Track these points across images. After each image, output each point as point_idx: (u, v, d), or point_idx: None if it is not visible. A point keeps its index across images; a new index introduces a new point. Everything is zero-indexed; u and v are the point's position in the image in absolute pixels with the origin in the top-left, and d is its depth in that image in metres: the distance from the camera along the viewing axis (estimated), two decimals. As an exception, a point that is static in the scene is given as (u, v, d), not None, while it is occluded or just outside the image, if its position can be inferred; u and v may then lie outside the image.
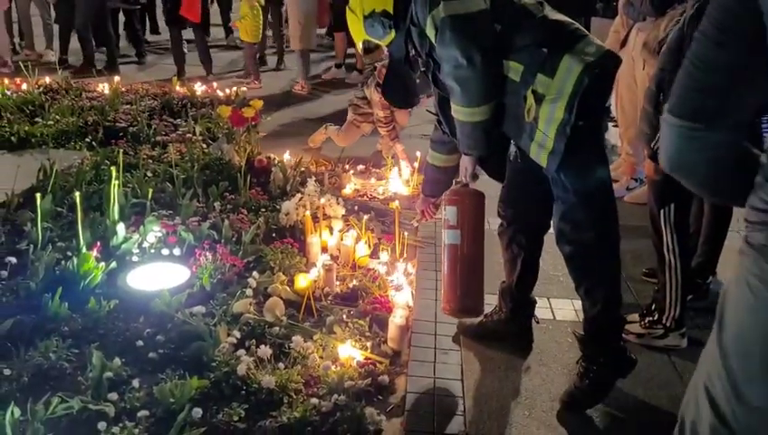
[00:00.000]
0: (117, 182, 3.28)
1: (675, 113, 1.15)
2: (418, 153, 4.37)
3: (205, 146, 5.01)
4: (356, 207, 3.83)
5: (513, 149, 2.46)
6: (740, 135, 1.15)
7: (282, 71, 8.51)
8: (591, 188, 2.24)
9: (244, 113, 4.33)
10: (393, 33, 2.51)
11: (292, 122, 6.14)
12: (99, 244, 3.15)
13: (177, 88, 6.65)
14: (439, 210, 3.03)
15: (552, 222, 2.41)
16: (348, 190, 4.15)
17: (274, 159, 4.39)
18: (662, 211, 2.64)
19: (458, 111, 2.33)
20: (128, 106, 5.89)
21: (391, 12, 2.49)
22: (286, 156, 4.57)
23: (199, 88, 6.62)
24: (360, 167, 4.71)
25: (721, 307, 1.10)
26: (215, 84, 6.98)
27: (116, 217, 3.28)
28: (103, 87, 6.53)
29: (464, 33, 2.22)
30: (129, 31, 8.98)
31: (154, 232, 3.27)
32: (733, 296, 1.08)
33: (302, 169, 4.41)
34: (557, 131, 2.15)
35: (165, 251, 3.23)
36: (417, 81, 2.60)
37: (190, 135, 5.15)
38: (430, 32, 2.31)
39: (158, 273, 3.09)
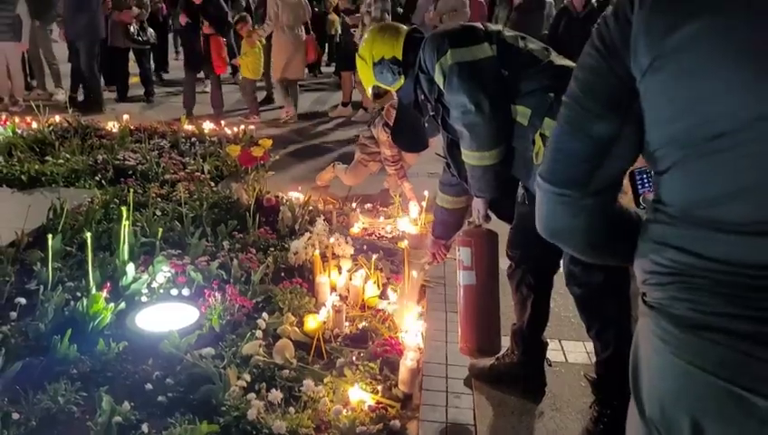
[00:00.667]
0: (127, 223, 3.28)
1: (546, 179, 1.15)
2: (426, 192, 4.39)
3: (213, 184, 5.05)
4: (364, 247, 3.83)
5: (520, 190, 2.47)
6: (612, 197, 1.15)
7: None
8: None
9: (254, 153, 4.37)
10: (402, 80, 2.55)
11: (300, 160, 6.19)
12: (108, 284, 3.16)
13: (186, 126, 6.73)
14: (450, 251, 3.03)
15: (561, 263, 2.40)
16: (356, 229, 4.15)
17: (283, 197, 4.41)
18: None
19: (468, 156, 2.36)
20: (137, 145, 5.94)
21: (400, 59, 2.53)
22: (295, 194, 4.59)
23: (207, 126, 6.69)
24: (368, 205, 4.73)
25: (633, 367, 1.08)
26: (222, 122, 7.06)
27: (126, 257, 3.28)
28: (113, 125, 6.60)
29: (471, 79, 2.26)
30: (140, 66, 9.10)
31: (163, 272, 3.27)
32: (642, 358, 1.06)
33: (311, 207, 4.42)
34: None
35: (174, 291, 3.22)
36: (426, 124, 2.63)
37: (199, 173, 5.18)
38: (439, 78, 2.35)
39: (167, 313, 3.08)
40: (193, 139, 6.29)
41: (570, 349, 3.00)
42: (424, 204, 4.43)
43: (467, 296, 2.52)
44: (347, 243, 3.72)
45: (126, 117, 6.92)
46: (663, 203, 1.04)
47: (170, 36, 11.47)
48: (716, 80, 0.92)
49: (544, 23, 7.99)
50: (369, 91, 2.75)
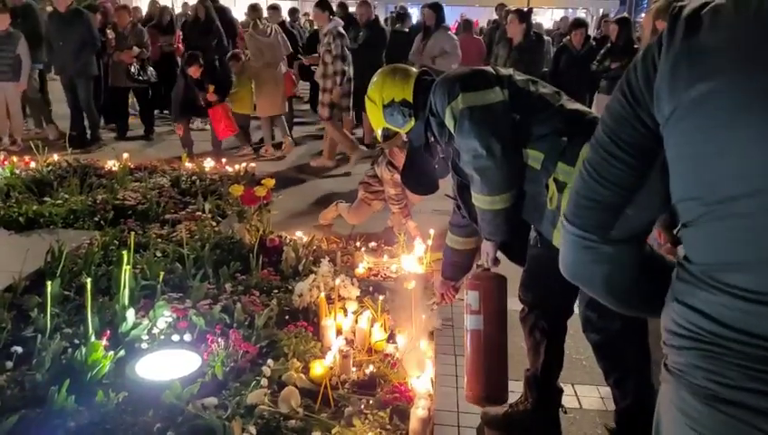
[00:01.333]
0: (128, 267, 3.20)
1: (569, 220, 1.12)
2: (432, 230, 4.32)
3: (215, 224, 4.98)
4: (370, 288, 3.74)
5: (533, 233, 2.41)
6: (637, 248, 1.10)
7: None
8: None
9: (257, 192, 4.31)
10: (413, 122, 2.52)
11: (301, 199, 6.14)
12: (108, 331, 3.07)
13: (186, 164, 6.69)
14: (460, 293, 2.96)
15: (577, 309, 2.33)
16: (361, 269, 4.07)
17: (286, 237, 4.34)
18: None
19: (479, 199, 2.31)
20: (137, 184, 5.90)
21: (411, 101, 2.50)
22: (298, 234, 4.53)
23: (208, 164, 6.65)
24: (372, 244, 4.65)
25: (655, 431, 1.04)
26: (223, 160, 7.02)
27: (126, 302, 3.19)
28: (113, 164, 6.56)
29: (483, 123, 2.22)
30: (140, 106, 9.11)
31: (164, 317, 3.18)
32: (663, 424, 1.02)
33: (314, 247, 4.35)
34: None
35: (175, 337, 3.13)
36: (437, 166, 2.58)
37: (200, 213, 5.12)
38: (449, 122, 2.32)
39: (168, 360, 2.99)
40: (194, 177, 6.23)
41: (584, 393, 2.91)
42: (429, 242, 4.36)
43: (474, 342, 2.44)
44: (352, 284, 3.64)
45: (126, 155, 6.88)
46: (687, 260, 0.99)
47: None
48: (735, 139, 0.89)
49: (544, 60, 8.04)
50: (379, 133, 2.71)
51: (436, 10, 8.10)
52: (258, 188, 4.34)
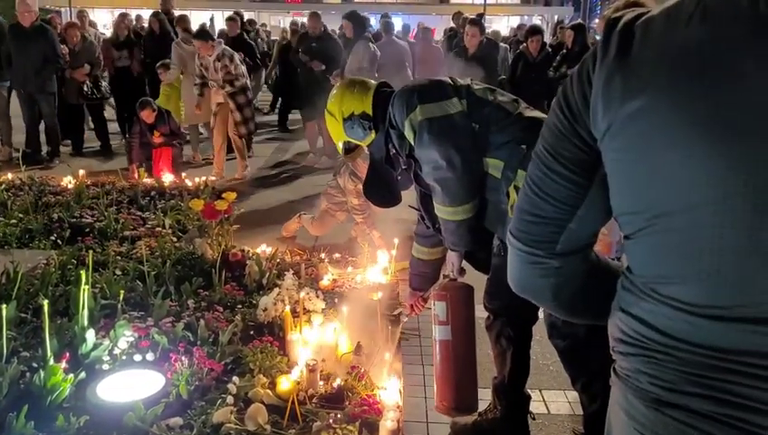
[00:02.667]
0: (86, 287, 3.12)
1: (514, 235, 1.13)
2: (396, 240, 4.33)
3: (175, 239, 4.90)
4: (335, 299, 3.72)
5: (496, 241, 2.43)
6: (583, 258, 1.12)
7: (250, 157, 8.51)
8: None
9: (217, 206, 4.26)
10: (373, 135, 2.52)
11: (264, 212, 6.08)
12: (67, 353, 2.99)
13: (145, 180, 6.58)
14: (428, 303, 2.96)
15: (542, 315, 2.35)
16: (326, 281, 4.05)
17: (249, 251, 4.30)
18: None
19: (441, 210, 2.33)
20: (94, 201, 5.77)
21: (370, 114, 2.50)
22: (262, 247, 4.49)
23: (167, 178, 6.56)
24: (337, 255, 4.64)
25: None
26: (183, 174, 6.93)
27: (85, 323, 3.11)
28: (68, 181, 6.41)
29: (442, 135, 2.25)
30: (94, 121, 8.92)
31: (125, 337, 3.11)
32: (613, 427, 1.05)
33: (278, 260, 4.32)
34: None
35: (137, 356, 3.06)
36: (399, 178, 2.59)
37: (160, 229, 5.04)
38: (409, 134, 2.33)
39: (130, 381, 2.92)
40: (153, 192, 6.13)
41: (551, 399, 2.94)
42: (393, 252, 4.36)
43: (443, 352, 2.44)
44: (317, 297, 3.61)
45: (82, 172, 6.74)
46: (629, 270, 1.01)
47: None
48: (666, 158, 0.89)
49: (500, 67, 8.14)
50: (341, 147, 2.70)
51: (353, 20, 7.71)
52: (219, 201, 4.29)
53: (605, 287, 1.09)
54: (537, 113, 2.32)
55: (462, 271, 2.50)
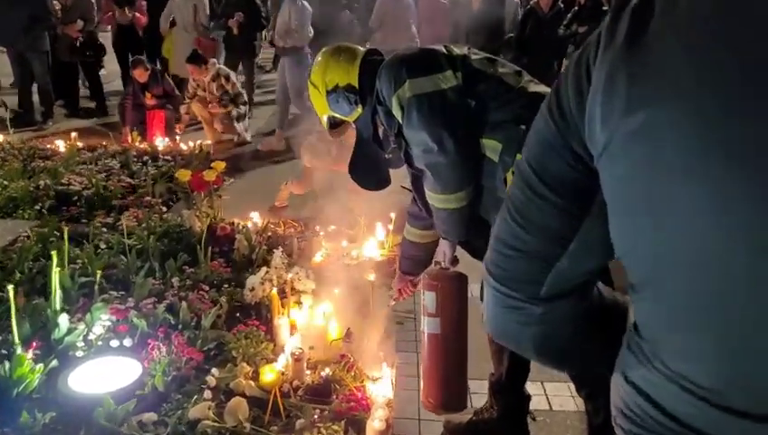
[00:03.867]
0: (57, 269, 2.93)
1: (489, 271, 0.86)
2: (392, 214, 4.10)
3: (165, 209, 4.70)
4: (327, 279, 3.51)
5: None
6: (577, 301, 0.85)
7: (250, 118, 8.23)
8: None
9: (205, 177, 4.04)
10: (360, 109, 2.26)
11: (258, 182, 5.80)
12: (40, 338, 2.83)
13: (138, 144, 6.36)
14: (418, 288, 2.74)
15: None
16: (318, 258, 3.84)
17: (238, 224, 4.09)
18: None
19: (432, 198, 2.10)
20: (83, 166, 5.55)
21: (356, 86, 2.24)
22: (254, 217, 4.27)
23: (161, 143, 6.32)
24: (332, 227, 4.41)
25: None
26: (177, 138, 6.69)
27: (57, 307, 2.93)
28: (59, 145, 6.20)
29: (432, 114, 1.99)
30: (88, 80, 8.61)
31: (102, 321, 2.93)
32: None
33: (269, 234, 4.11)
34: None
35: (114, 342, 2.89)
36: (389, 156, 2.34)
37: (149, 198, 4.83)
38: (397, 112, 2.08)
39: (105, 370, 2.75)
40: (145, 157, 5.91)
41: (553, 392, 2.75)
42: (390, 226, 4.14)
43: (432, 346, 2.24)
44: (308, 277, 3.41)
45: (74, 135, 6.52)
46: (636, 329, 0.78)
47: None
48: (688, 195, 0.63)
49: (510, 24, 7.76)
50: (325, 121, 2.43)
51: None
52: (207, 172, 4.07)
53: (606, 336, 0.86)
54: (542, 87, 2.06)
55: (455, 260, 2.28)
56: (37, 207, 4.64)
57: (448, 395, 2.25)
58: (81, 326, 2.92)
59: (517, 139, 1.92)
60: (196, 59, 6.60)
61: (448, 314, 2.21)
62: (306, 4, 6.90)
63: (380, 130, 2.27)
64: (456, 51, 2.12)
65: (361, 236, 4.21)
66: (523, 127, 1.91)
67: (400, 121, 2.08)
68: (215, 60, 6.86)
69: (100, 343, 2.88)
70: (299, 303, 3.28)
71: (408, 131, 2.04)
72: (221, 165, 4.26)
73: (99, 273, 3.21)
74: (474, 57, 2.10)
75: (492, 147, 1.97)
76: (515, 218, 0.81)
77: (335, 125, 2.42)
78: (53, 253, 2.96)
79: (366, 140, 2.32)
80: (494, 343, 2.33)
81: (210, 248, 3.71)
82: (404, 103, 2.03)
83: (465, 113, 1.99)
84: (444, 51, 2.11)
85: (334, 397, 2.64)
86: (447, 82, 2.01)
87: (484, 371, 2.53)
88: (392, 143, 2.24)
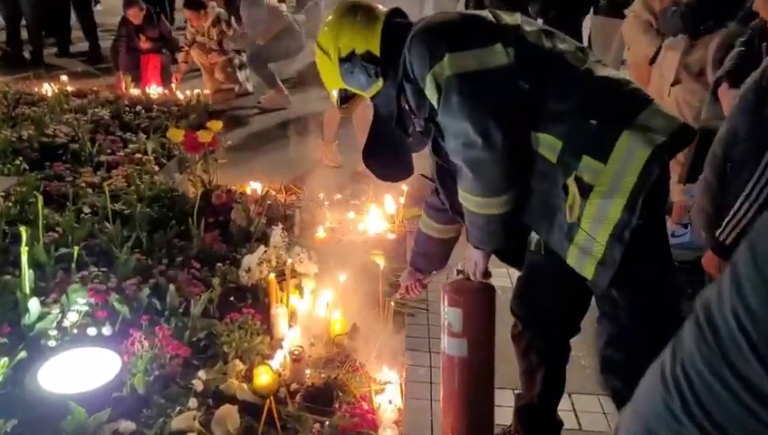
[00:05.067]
0: (27, 249, 2.59)
1: None
2: (405, 186, 3.75)
3: (157, 168, 4.34)
4: (331, 262, 3.17)
5: (535, 236, 1.84)
6: None
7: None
8: (655, 308, 1.66)
9: (200, 138, 3.66)
10: (381, 83, 1.86)
11: (258, 137, 5.40)
12: (9, 321, 2.53)
13: (132, 90, 5.94)
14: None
15: (596, 345, 1.81)
16: (321, 233, 3.50)
17: (236, 191, 3.74)
18: None
19: (468, 200, 1.73)
20: (71, 115, 5.16)
21: (377, 54, 1.83)
22: (254, 184, 3.92)
23: (155, 91, 5.91)
24: (338, 196, 4.06)
25: None
26: (174, 85, 6.27)
27: (27, 289, 2.61)
28: (47, 89, 5.79)
29: (478, 99, 1.61)
30: (80, 18, 8.04)
31: (78, 305, 2.61)
32: None
33: (269, 202, 3.76)
34: (611, 236, 1.57)
35: (92, 330, 2.58)
36: (410, 139, 1.97)
37: (140, 155, 4.46)
38: (431, 93, 1.70)
39: (80, 363, 2.45)
40: (138, 107, 5.50)
41: (583, 407, 2.44)
42: (402, 199, 3.79)
43: (455, 371, 1.93)
44: (310, 259, 3.08)
45: (64, 78, 6.11)
46: None
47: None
48: None
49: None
50: (335, 95, 2.02)
51: None
52: (202, 132, 3.69)
53: None
54: (613, 72, 1.69)
55: (487, 274, 1.94)
56: (17, 162, 4.27)
57: (473, 427, 1.95)
58: (56, 311, 2.61)
59: (584, 135, 1.57)
60: (194, 3, 6.12)
61: (476, 334, 1.90)
62: None
63: (404, 109, 1.89)
64: (507, 19, 1.73)
65: (368, 207, 3.86)
66: (593, 122, 1.56)
67: (435, 105, 1.71)
68: (214, 3, 6.37)
69: (75, 331, 2.57)
70: (299, 288, 2.96)
71: (446, 118, 1.67)
72: (218, 125, 3.87)
73: (76, 249, 2.87)
74: (528, 29, 1.71)
75: (548, 143, 1.61)
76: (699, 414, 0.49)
77: (346, 99, 2.02)
78: (23, 229, 2.62)
79: (385, 121, 1.93)
80: (526, 358, 2.02)
81: (204, 219, 3.37)
82: (442, 83, 1.65)
83: (517, 100, 1.63)
84: (491, 18, 1.72)
85: (336, 405, 2.35)
86: (497, 58, 1.63)
87: (509, 378, 2.23)
88: (417, 127, 1.87)
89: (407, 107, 1.84)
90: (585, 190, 1.57)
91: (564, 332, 1.95)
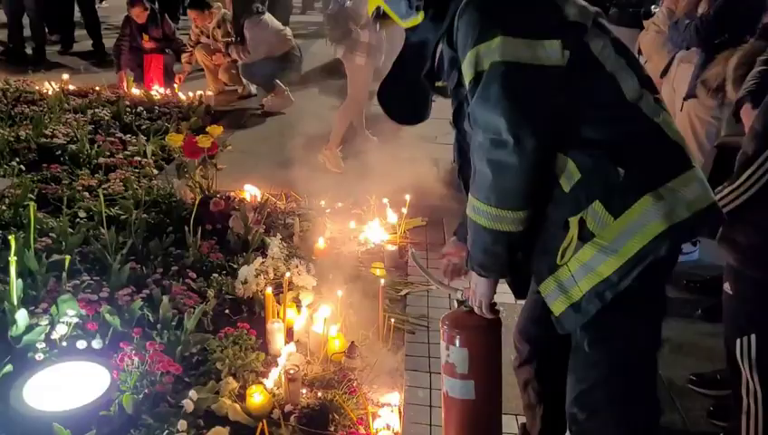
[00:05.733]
0: (15, 259, 2.51)
1: None
2: (407, 196, 3.67)
3: (156, 171, 4.27)
4: (330, 275, 3.08)
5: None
6: None
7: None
8: (627, 362, 1.57)
9: (200, 143, 3.58)
10: (420, 18, 1.67)
11: (259, 141, 5.28)
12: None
13: (134, 90, 5.87)
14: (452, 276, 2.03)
15: (567, 394, 1.69)
16: (321, 243, 3.42)
17: (234, 198, 3.65)
18: (739, 341, 1.96)
19: (477, 209, 1.54)
20: (72, 115, 5.08)
21: None
22: (253, 191, 3.83)
23: (158, 92, 5.83)
24: (339, 204, 3.97)
25: None
26: (176, 86, 6.18)
27: (15, 300, 2.52)
28: (48, 88, 5.72)
29: (521, 95, 1.43)
30: (84, 15, 7.94)
31: (68, 317, 2.53)
32: None
33: (269, 209, 3.68)
34: (592, 289, 1.47)
35: (81, 343, 2.50)
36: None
37: (139, 158, 4.38)
38: (468, 72, 1.50)
39: (68, 377, 2.37)
40: (140, 108, 5.42)
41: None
42: (404, 210, 3.70)
43: (459, 414, 1.80)
44: (308, 271, 2.99)
45: (65, 77, 6.04)
46: None
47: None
48: None
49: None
50: (371, 10, 1.82)
51: None
52: (201, 137, 3.60)
53: None
54: (667, 119, 1.52)
55: (494, 310, 1.74)
56: (15, 163, 4.19)
57: None
58: (45, 322, 2.53)
59: (604, 180, 1.43)
60: (199, 3, 6.04)
61: (484, 374, 1.76)
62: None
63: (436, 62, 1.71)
64: (574, 12, 1.49)
65: (371, 216, 3.77)
66: (621, 171, 1.42)
67: (466, 84, 1.52)
68: (219, 3, 6.28)
69: (64, 343, 2.49)
70: (297, 301, 2.88)
71: (479, 108, 1.47)
72: (217, 129, 3.78)
73: (68, 258, 2.78)
74: (594, 37, 1.49)
75: (569, 170, 1.46)
76: None
77: (380, 17, 1.82)
78: (11, 238, 2.54)
79: (411, 60, 1.76)
80: (525, 393, 1.92)
81: (201, 227, 3.29)
82: (484, 65, 1.45)
83: (558, 108, 1.45)
84: (559, 5, 1.49)
85: (332, 429, 2.26)
86: (551, 57, 1.43)
87: (512, 404, 2.14)
88: (444, 78, 1.69)
89: (437, 61, 1.68)
90: (585, 236, 1.45)
91: (562, 371, 1.83)
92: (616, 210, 1.42)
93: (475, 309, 1.72)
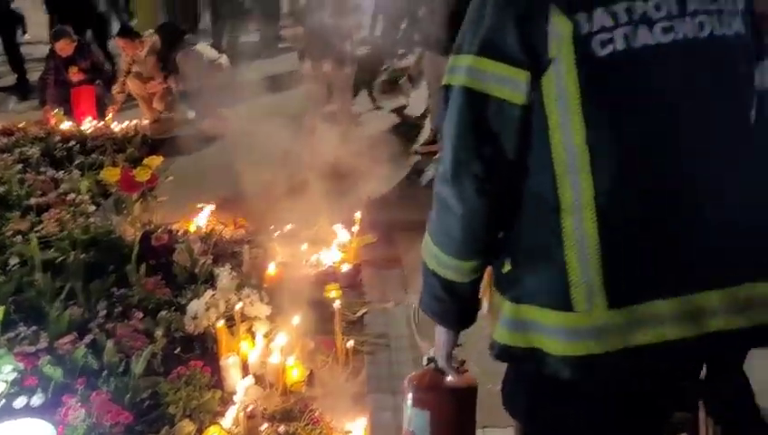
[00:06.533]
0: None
1: None
2: (358, 214, 3.60)
3: (93, 208, 4.09)
4: (284, 302, 2.98)
5: None
6: None
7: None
8: None
9: (137, 176, 3.43)
10: None
11: (201, 166, 5.08)
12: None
13: (63, 126, 5.64)
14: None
15: None
16: (272, 269, 3.31)
17: (177, 231, 3.52)
18: None
19: (427, 247, 1.33)
20: (-4, 155, 4.84)
21: None
22: (198, 221, 3.70)
23: (89, 125, 5.62)
24: (288, 226, 3.86)
25: None
26: (110, 115, 5.97)
27: (-58, 362, 2.35)
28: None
29: (469, 129, 1.19)
30: (6, 49, 7.61)
31: (3, 375, 2.36)
32: None
33: (215, 239, 3.55)
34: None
35: (20, 400, 2.34)
36: None
37: (74, 195, 4.19)
38: (446, 76, 1.25)
39: (9, 437, 2.21)
40: (72, 142, 5.20)
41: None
42: (355, 229, 3.63)
43: None
44: (261, 300, 2.89)
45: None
46: None
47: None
48: None
49: None
50: None
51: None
52: (139, 170, 3.47)
53: None
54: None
55: (455, 366, 1.45)
56: (-64, 212, 3.96)
57: None
58: (-22, 381, 2.35)
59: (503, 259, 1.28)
60: (128, 32, 5.86)
61: None
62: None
63: None
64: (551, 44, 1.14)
65: (322, 237, 3.68)
66: (510, 268, 1.27)
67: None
68: (151, 30, 6.11)
69: (2, 402, 2.33)
70: (251, 333, 2.77)
71: (444, 125, 1.25)
72: (156, 160, 3.66)
73: (1, 309, 2.62)
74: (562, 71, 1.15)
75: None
76: None
77: None
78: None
79: None
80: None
81: (145, 263, 3.15)
82: (449, 80, 1.23)
83: (511, 154, 1.19)
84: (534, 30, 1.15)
85: (296, 466, 2.17)
86: (513, 91, 1.16)
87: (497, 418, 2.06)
88: None
89: None
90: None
91: None
92: (508, 291, 1.28)
93: (439, 362, 1.45)
